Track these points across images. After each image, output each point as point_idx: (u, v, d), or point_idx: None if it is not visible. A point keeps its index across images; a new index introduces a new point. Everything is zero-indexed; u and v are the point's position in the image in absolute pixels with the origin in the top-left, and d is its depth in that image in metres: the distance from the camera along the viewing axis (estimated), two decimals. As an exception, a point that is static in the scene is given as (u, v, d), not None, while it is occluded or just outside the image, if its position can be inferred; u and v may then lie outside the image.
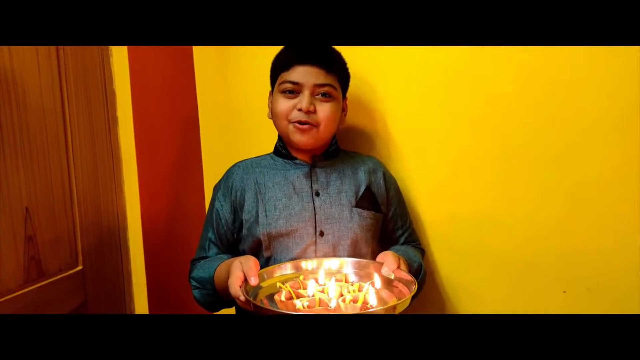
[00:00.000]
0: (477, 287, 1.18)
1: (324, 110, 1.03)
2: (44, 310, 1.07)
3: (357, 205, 1.06)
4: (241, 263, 0.88)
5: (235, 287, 0.83)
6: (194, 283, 1.05)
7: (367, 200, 1.08)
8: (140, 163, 1.33)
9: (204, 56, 1.49)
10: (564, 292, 1.06)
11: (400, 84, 1.21)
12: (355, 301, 0.82)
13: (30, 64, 1.05)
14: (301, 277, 0.93)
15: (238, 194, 1.08)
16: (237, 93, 1.46)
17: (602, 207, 1.01)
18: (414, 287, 0.84)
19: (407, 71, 1.19)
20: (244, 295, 0.80)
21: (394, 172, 1.20)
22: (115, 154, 1.28)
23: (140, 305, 1.34)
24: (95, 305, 1.21)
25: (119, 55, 1.27)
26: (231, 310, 1.14)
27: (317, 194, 1.06)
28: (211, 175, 1.54)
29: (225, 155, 1.49)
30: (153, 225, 1.37)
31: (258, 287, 0.88)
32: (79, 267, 1.18)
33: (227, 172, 1.14)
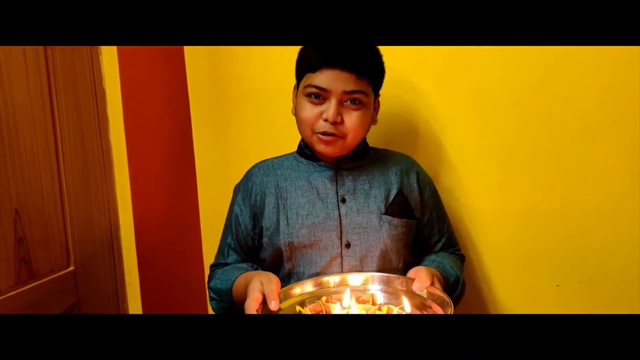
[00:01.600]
0: (474, 281, 1.18)
1: (351, 120, 0.93)
2: (35, 311, 1.07)
3: (386, 212, 0.97)
4: (262, 283, 0.82)
5: (252, 312, 0.78)
6: (212, 294, 1.01)
7: (398, 206, 0.98)
8: (132, 162, 1.32)
9: (196, 53, 1.48)
10: (557, 285, 1.07)
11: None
12: None
13: (17, 62, 1.03)
14: (323, 299, 0.86)
15: (258, 198, 1.01)
16: (230, 91, 1.45)
17: (596, 201, 1.02)
18: (450, 311, 0.75)
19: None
20: None
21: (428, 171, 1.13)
22: (106, 153, 1.26)
23: (134, 305, 1.34)
24: (87, 306, 1.20)
25: (109, 53, 1.26)
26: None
27: (343, 200, 0.97)
28: (204, 173, 1.53)
29: (218, 153, 1.48)
30: (146, 224, 1.36)
31: (277, 311, 0.81)
32: (71, 268, 1.17)
33: (247, 173, 1.07)
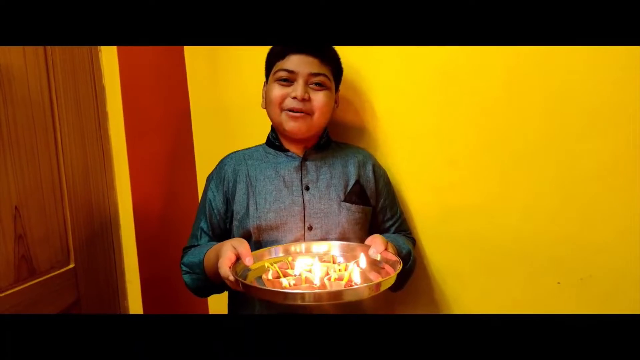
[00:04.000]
0: (470, 279, 1.18)
1: (318, 98, 1.04)
2: (35, 309, 1.07)
3: (345, 200, 1.08)
4: (233, 246, 0.89)
5: (225, 268, 0.85)
6: (184, 268, 1.08)
7: (355, 194, 1.09)
8: (132, 159, 1.32)
9: (196, 51, 1.48)
10: (558, 283, 1.07)
11: (392, 76, 1.20)
12: (340, 279, 0.83)
13: (17, 60, 1.04)
14: (289, 259, 0.95)
15: (230, 185, 1.10)
16: (229, 88, 1.45)
17: (595, 198, 1.01)
18: (399, 266, 0.85)
19: (399, 65, 1.19)
20: (234, 276, 0.82)
21: (384, 164, 1.21)
22: (106, 150, 1.27)
23: (134, 302, 1.34)
24: (88, 303, 1.21)
25: (108, 51, 1.26)
26: (223, 297, 1.14)
27: (307, 188, 1.07)
28: (204, 170, 1.53)
29: (218, 150, 1.47)
30: (146, 221, 1.37)
31: (247, 269, 0.90)
32: (71, 265, 1.17)
33: (219, 162, 1.15)
